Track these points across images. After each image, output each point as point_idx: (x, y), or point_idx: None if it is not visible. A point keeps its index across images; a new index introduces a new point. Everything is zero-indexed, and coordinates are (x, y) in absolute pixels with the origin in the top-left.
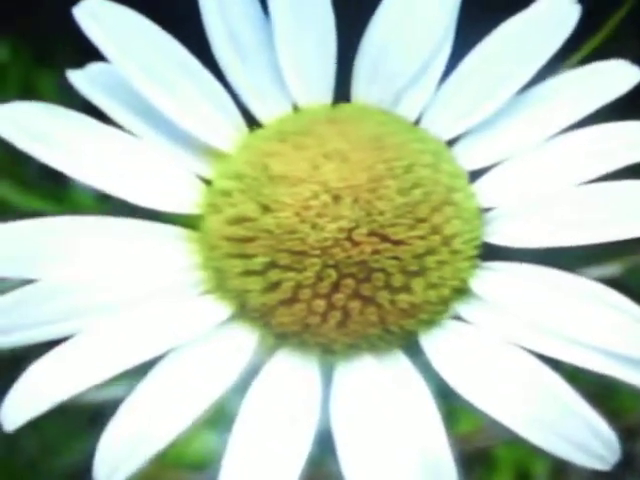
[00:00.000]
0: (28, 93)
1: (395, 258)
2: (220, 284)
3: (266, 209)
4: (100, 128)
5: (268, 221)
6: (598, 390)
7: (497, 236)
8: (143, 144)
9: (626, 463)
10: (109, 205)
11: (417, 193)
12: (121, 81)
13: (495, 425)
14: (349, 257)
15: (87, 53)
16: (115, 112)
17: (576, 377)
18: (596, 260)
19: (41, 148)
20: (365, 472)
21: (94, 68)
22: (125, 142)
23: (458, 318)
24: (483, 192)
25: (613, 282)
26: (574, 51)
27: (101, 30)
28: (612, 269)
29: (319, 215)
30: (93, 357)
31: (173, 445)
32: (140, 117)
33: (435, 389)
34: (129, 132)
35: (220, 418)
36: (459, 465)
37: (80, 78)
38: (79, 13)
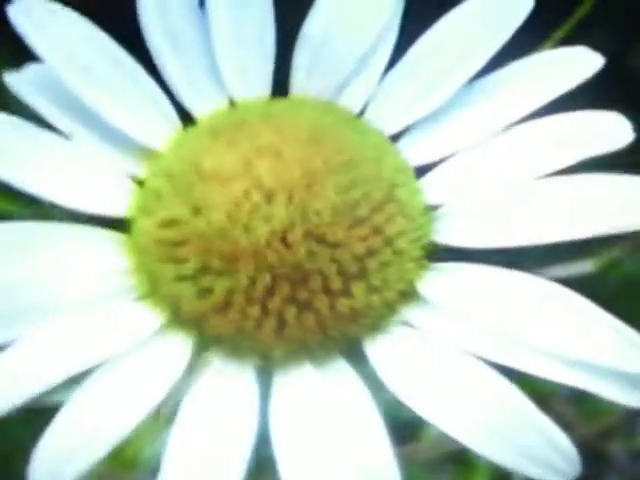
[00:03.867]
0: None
1: (333, 260)
2: (154, 289)
3: (197, 210)
4: (32, 130)
5: (199, 223)
6: (574, 391)
7: (446, 235)
8: (77, 146)
9: (604, 464)
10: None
11: (356, 190)
12: (55, 81)
13: None
14: (283, 260)
15: (25, 51)
16: (49, 113)
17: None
18: (570, 256)
19: None
20: None
21: (31, 70)
22: (58, 144)
23: (405, 323)
24: (430, 188)
25: (588, 278)
26: (543, 40)
27: (34, 29)
28: (587, 265)
29: (251, 215)
30: (28, 368)
31: (129, 445)
32: (75, 118)
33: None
34: (64, 134)
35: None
36: (433, 468)
37: (17, 80)
38: (13, 12)
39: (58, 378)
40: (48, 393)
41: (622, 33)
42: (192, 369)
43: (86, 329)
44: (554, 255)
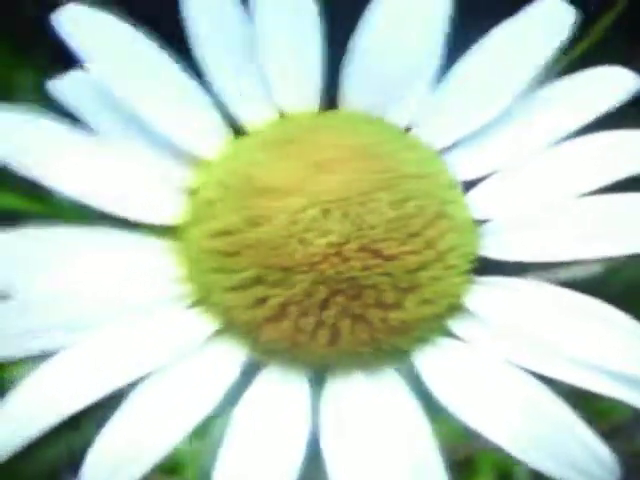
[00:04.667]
0: (6, 93)
1: (386, 274)
2: (206, 297)
3: (251, 222)
4: (79, 137)
5: (253, 235)
6: (582, 391)
7: (492, 249)
8: (124, 153)
9: None
10: (91, 208)
11: (409, 206)
12: (101, 89)
13: (477, 437)
14: (339, 273)
15: (67, 53)
16: (96, 121)
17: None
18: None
19: (19, 159)
20: None
21: (74, 76)
22: (106, 151)
23: (452, 335)
24: (477, 203)
25: (595, 281)
26: (562, 55)
27: (81, 37)
28: (594, 268)
29: (307, 230)
30: (78, 379)
31: None
32: (122, 126)
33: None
34: (110, 141)
35: (199, 428)
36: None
37: (60, 87)
38: (59, 19)
39: (106, 389)
40: None
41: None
42: (244, 379)
43: (136, 337)
44: None
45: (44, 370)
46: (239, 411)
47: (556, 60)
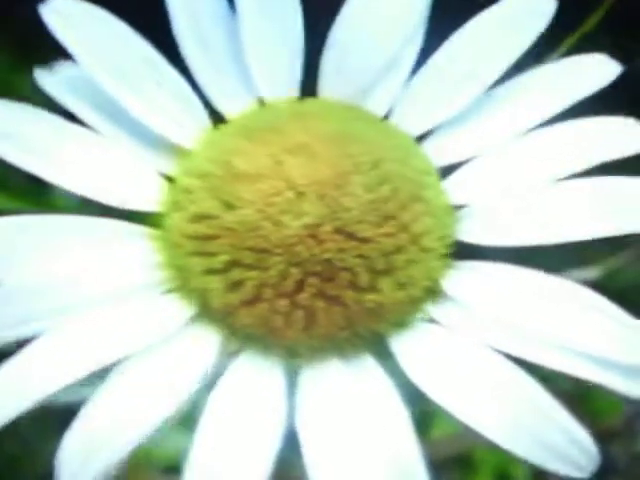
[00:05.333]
0: (6, 94)
1: (361, 257)
2: (183, 283)
3: (228, 206)
4: (66, 127)
5: (230, 218)
6: (576, 392)
7: (469, 234)
8: (108, 142)
9: (606, 465)
10: (91, 207)
11: (384, 189)
12: (87, 80)
13: (470, 430)
14: (313, 255)
15: (66, 53)
16: (81, 111)
17: (553, 379)
18: (575, 263)
19: (6, 146)
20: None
21: (62, 68)
22: (90, 140)
23: (429, 320)
24: (454, 189)
25: (591, 285)
26: (550, 50)
27: (67, 28)
28: (591, 272)
29: (282, 212)
30: (59, 359)
31: (143, 446)
32: (106, 116)
33: (408, 393)
34: (95, 131)
35: (191, 419)
36: (435, 469)
37: (48, 78)
38: (46, 11)
39: (83, 371)
40: (61, 392)
41: (630, 39)
42: (220, 364)
43: (113, 322)
44: (558, 262)
45: (24, 353)
46: (213, 397)
47: (545, 54)
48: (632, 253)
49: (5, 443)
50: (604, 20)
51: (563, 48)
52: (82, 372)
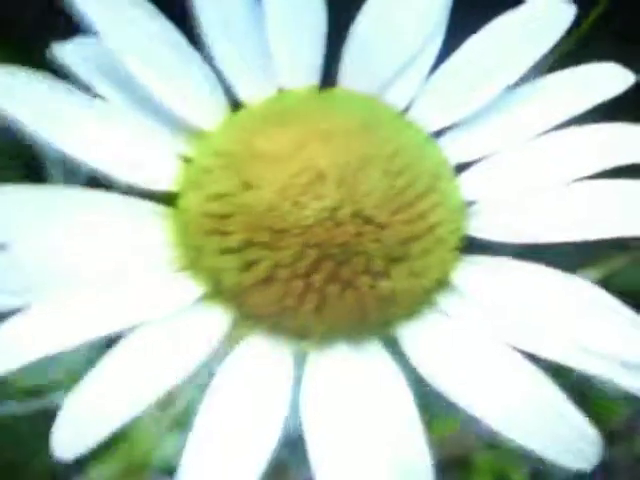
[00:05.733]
0: None
1: (378, 242)
2: (195, 262)
3: (247, 185)
4: (84, 100)
5: (248, 197)
6: (579, 394)
7: (479, 229)
8: (126, 120)
9: (608, 468)
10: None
11: (403, 177)
12: (107, 56)
13: (469, 431)
14: (331, 238)
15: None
16: (100, 87)
17: (556, 381)
18: (575, 266)
19: (27, 114)
20: (335, 470)
21: (81, 42)
22: (109, 115)
23: (439, 311)
24: (468, 185)
25: None
26: (547, 53)
27: (94, 5)
28: (591, 275)
29: (302, 193)
30: (60, 323)
31: (138, 446)
32: (125, 93)
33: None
34: (113, 107)
35: (187, 421)
36: (436, 470)
37: (66, 53)
38: None
39: (85, 337)
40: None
41: (626, 44)
42: (228, 345)
43: (120, 296)
44: (558, 264)
45: (25, 314)
46: (219, 376)
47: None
48: (632, 256)
49: (4, 446)
50: (601, 23)
51: (560, 51)
52: (84, 338)
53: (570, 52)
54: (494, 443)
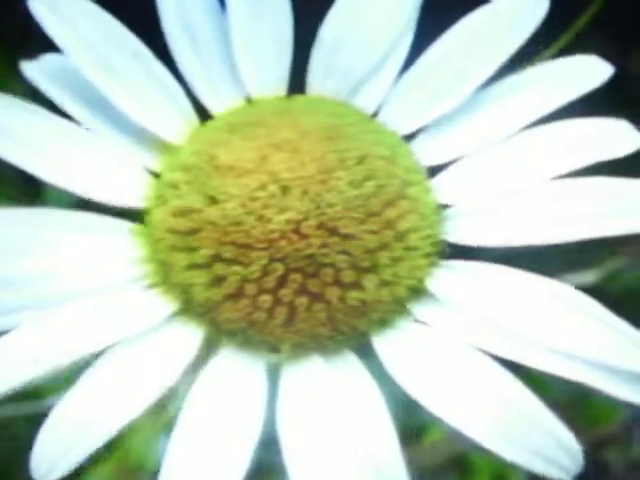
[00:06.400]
0: None
1: (345, 253)
2: (166, 278)
3: (212, 200)
4: (54, 121)
5: (213, 212)
6: (571, 400)
7: (456, 234)
8: (94, 137)
9: (600, 472)
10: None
11: (369, 185)
12: (74, 72)
13: (460, 434)
14: (297, 250)
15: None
16: (67, 104)
17: (549, 387)
18: (572, 267)
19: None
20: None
21: (47, 59)
22: (76, 135)
23: (414, 319)
24: (442, 188)
25: (589, 289)
26: (541, 51)
27: (55, 20)
28: (588, 276)
29: (266, 206)
30: (38, 348)
31: (133, 449)
32: (92, 110)
33: (401, 397)
34: (81, 125)
35: None
36: (431, 473)
37: (33, 69)
38: (34, 3)
39: (61, 361)
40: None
41: (622, 40)
42: (201, 361)
43: (93, 316)
44: (555, 266)
45: (5, 340)
46: (194, 392)
47: (536, 55)
48: (629, 257)
49: None
50: (596, 20)
51: (554, 48)
52: (60, 362)
53: (565, 49)
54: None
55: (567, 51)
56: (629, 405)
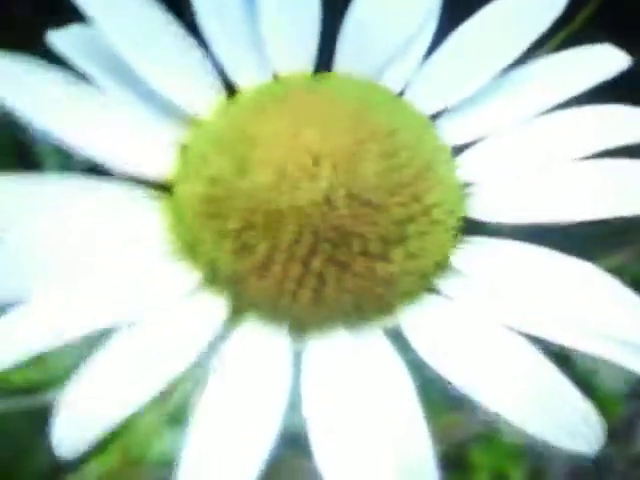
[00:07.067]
0: None
1: (374, 224)
2: (191, 249)
3: (243, 170)
4: (81, 88)
5: (244, 182)
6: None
7: (478, 210)
8: (121, 108)
9: (604, 465)
10: None
11: (399, 158)
12: (101, 43)
13: (463, 426)
14: (327, 221)
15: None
16: (94, 75)
17: None
18: (588, 255)
19: (24, 101)
20: (337, 459)
21: (75, 30)
22: (105, 105)
23: (439, 293)
24: (466, 166)
25: None
26: (540, 46)
27: None
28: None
29: (297, 176)
30: (55, 318)
31: (136, 442)
32: (120, 81)
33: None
34: (107, 95)
35: (182, 415)
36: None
37: (60, 39)
38: None
39: (79, 332)
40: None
41: (623, 35)
42: (225, 333)
43: (116, 285)
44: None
45: (19, 311)
46: (216, 364)
47: (534, 50)
48: (632, 252)
49: None
50: (595, 17)
51: (553, 44)
52: (78, 332)
53: (565, 43)
54: (489, 436)
55: (566, 47)
56: (631, 400)
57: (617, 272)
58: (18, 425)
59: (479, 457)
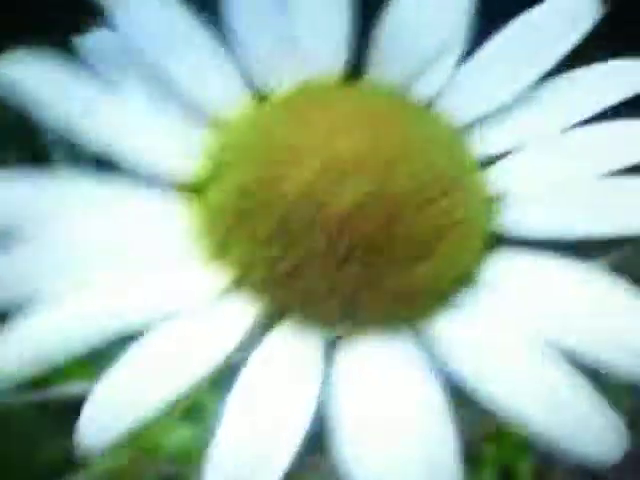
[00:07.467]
0: None
1: (404, 236)
2: (221, 253)
3: (271, 179)
4: (107, 91)
5: (273, 192)
6: None
7: (508, 225)
8: (149, 112)
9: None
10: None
11: (429, 174)
12: (125, 47)
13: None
14: (357, 232)
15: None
16: (121, 80)
17: None
18: (582, 256)
19: (57, 103)
20: (364, 458)
21: (101, 34)
22: (132, 109)
23: (467, 305)
24: (495, 178)
25: None
26: (582, 52)
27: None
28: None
29: (327, 188)
30: (86, 317)
31: (148, 437)
32: (146, 86)
33: None
34: (133, 99)
35: (195, 411)
36: None
37: (87, 43)
38: None
39: (109, 333)
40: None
41: (621, 44)
42: (255, 337)
43: (144, 287)
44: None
45: (45, 310)
46: (246, 370)
47: (573, 59)
48: (630, 250)
49: (1, 441)
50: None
51: (589, 55)
52: (107, 334)
53: (582, 52)
54: (497, 430)
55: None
56: (636, 395)
57: (616, 270)
58: (24, 419)
59: (487, 451)
